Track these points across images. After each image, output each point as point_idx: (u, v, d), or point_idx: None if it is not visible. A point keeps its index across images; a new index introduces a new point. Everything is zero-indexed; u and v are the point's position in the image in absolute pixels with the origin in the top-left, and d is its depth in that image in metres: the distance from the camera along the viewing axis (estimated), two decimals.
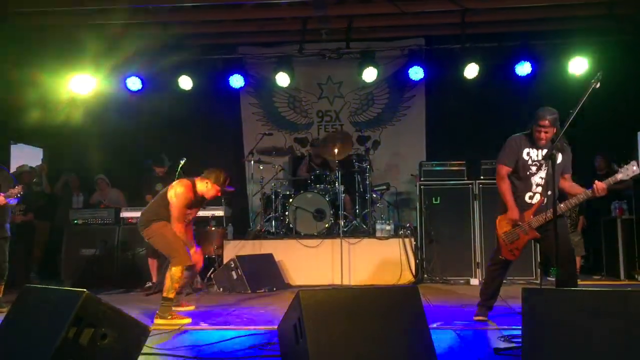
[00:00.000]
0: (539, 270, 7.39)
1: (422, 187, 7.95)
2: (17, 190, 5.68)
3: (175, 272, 5.26)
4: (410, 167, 9.35)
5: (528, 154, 4.85)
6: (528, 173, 4.83)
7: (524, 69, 8.79)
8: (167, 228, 5.37)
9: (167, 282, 5.25)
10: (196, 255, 5.67)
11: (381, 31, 9.40)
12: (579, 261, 8.20)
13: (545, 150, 4.78)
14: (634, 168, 4.46)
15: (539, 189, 4.81)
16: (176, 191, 5.39)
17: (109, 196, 9.00)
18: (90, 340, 3.24)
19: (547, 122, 4.64)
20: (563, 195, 4.81)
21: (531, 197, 4.83)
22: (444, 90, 9.65)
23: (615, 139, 8.76)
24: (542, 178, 4.80)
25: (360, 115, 10.32)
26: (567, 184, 4.83)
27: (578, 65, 8.61)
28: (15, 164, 9.06)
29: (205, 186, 5.55)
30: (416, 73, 9.20)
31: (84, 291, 3.28)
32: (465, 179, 7.89)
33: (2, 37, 8.45)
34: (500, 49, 8.93)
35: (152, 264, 7.44)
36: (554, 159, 4.24)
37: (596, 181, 4.55)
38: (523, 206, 4.83)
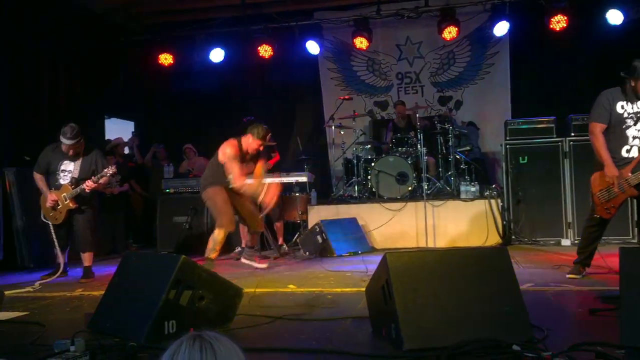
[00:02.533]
0: (636, 229, 7.06)
1: (507, 146, 7.71)
2: (108, 172, 5.94)
3: (217, 235, 5.84)
4: (496, 126, 9.08)
5: (622, 107, 4.64)
6: (624, 127, 4.63)
7: (614, 17, 8.25)
8: (219, 194, 5.91)
9: (210, 244, 5.82)
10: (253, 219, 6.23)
11: None
12: None
13: (639, 102, 4.54)
14: None
15: (637, 141, 4.59)
16: (224, 151, 5.94)
17: (197, 164, 9.33)
18: (190, 301, 3.43)
19: None
20: None
21: (628, 151, 4.65)
22: (530, 45, 9.24)
23: None
24: (638, 130, 4.57)
25: (441, 75, 10.08)
26: None
27: None
28: (109, 137, 9.58)
29: (247, 141, 6.05)
30: (501, 28, 8.84)
31: (182, 256, 3.46)
32: (555, 136, 7.57)
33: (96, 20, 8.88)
34: None
35: (243, 229, 7.67)
36: None
37: None
38: (620, 161, 4.63)
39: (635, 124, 4.61)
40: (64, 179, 6.05)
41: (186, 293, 3.44)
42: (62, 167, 6.08)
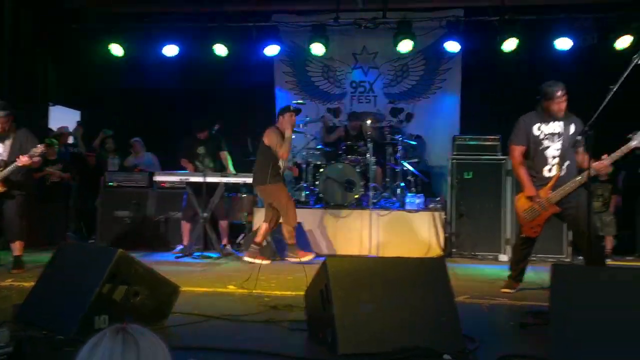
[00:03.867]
0: (569, 248, 7.32)
1: (454, 161, 7.88)
2: (39, 149, 5.72)
3: (285, 230, 6.80)
4: (443, 141, 9.25)
5: (539, 128, 4.90)
6: (542, 147, 4.88)
7: (563, 43, 8.57)
8: (282, 190, 6.77)
9: (286, 234, 6.82)
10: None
11: (419, 1, 9.23)
12: (611, 241, 8.08)
13: (556, 123, 4.82)
14: None
15: (556, 160, 4.82)
16: (270, 138, 6.75)
17: (144, 159, 9.15)
18: (124, 296, 3.36)
19: (561, 92, 4.75)
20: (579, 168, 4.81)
21: (550, 170, 4.88)
22: (481, 64, 9.46)
23: None
24: (557, 150, 4.82)
25: (394, 87, 10.21)
26: (580, 157, 4.79)
27: (622, 41, 8.36)
28: (53, 126, 9.28)
29: (282, 121, 6.86)
30: (452, 46, 9.06)
31: (119, 249, 3.39)
32: (499, 154, 7.78)
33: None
34: (540, 22, 8.71)
35: (186, 227, 7.58)
36: (589, 135, 4.20)
37: (592, 162, 4.50)
38: (544, 181, 4.86)
39: (553, 144, 4.83)
40: None
41: (121, 288, 3.37)
42: None
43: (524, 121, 4.95)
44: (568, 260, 7.28)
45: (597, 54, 8.57)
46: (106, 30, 9.38)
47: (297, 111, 7.16)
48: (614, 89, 3.99)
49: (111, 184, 8.35)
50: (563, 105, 4.77)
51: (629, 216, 8.45)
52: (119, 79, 9.83)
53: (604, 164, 4.56)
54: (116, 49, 9.32)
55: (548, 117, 4.85)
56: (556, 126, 4.85)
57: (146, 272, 3.52)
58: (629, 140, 4.51)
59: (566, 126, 4.82)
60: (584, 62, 8.58)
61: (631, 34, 8.31)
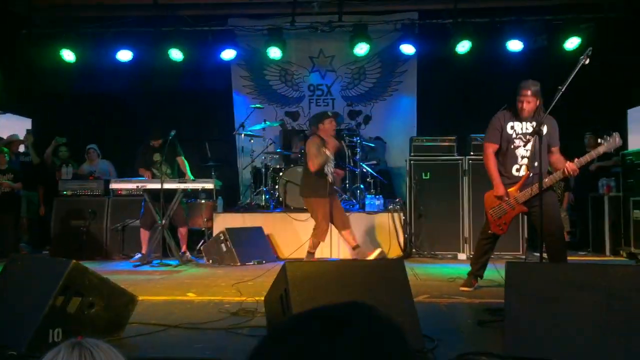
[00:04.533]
0: (525, 245, 7.49)
1: (412, 162, 7.97)
2: None
3: (312, 242, 6.71)
4: (401, 142, 9.36)
5: (512, 127, 4.92)
6: (513, 146, 4.91)
7: (515, 45, 8.78)
8: (322, 207, 6.55)
9: (310, 242, 6.73)
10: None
11: (374, 4, 9.32)
12: (565, 237, 8.29)
13: (530, 124, 4.85)
14: (617, 140, 4.51)
15: (525, 160, 4.88)
16: (308, 147, 6.59)
17: (99, 167, 8.97)
18: (78, 308, 3.28)
19: (528, 92, 4.74)
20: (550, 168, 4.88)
21: (518, 170, 4.92)
22: (436, 66, 9.61)
23: (605, 117, 8.80)
24: (527, 150, 4.87)
25: (351, 90, 10.27)
26: (554, 157, 4.86)
27: (571, 42, 8.61)
28: (3, 134, 9.00)
29: (322, 129, 6.65)
30: (407, 49, 9.18)
31: (72, 261, 3.30)
32: (455, 154, 7.91)
33: None
34: (493, 25, 8.90)
35: (144, 235, 7.45)
36: (541, 135, 4.28)
37: (567, 162, 4.60)
38: (512, 179, 4.91)
39: (524, 144, 4.89)
40: None
41: (75, 300, 3.28)
42: None
43: (498, 119, 4.96)
44: (523, 257, 7.44)
45: (548, 55, 8.80)
46: (57, 35, 9.16)
47: (336, 115, 7.08)
48: (563, 89, 4.09)
49: (65, 192, 8.16)
50: (527, 105, 4.75)
51: (581, 212, 8.71)
52: (71, 85, 9.62)
53: (575, 167, 4.60)
54: (68, 55, 9.13)
55: (520, 116, 4.87)
56: (529, 126, 4.86)
57: (101, 282, 3.45)
58: (598, 145, 4.60)
59: (539, 127, 4.86)
60: (535, 63, 8.79)
61: (579, 36, 8.56)
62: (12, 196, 8.23)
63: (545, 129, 4.72)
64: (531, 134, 4.65)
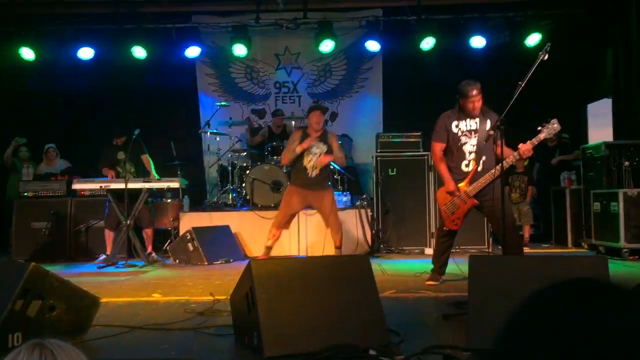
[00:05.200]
0: (490, 238, 7.60)
1: (378, 158, 8.02)
2: None
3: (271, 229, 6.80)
4: (367, 139, 9.40)
5: (457, 126, 5.08)
6: (459, 144, 5.06)
7: (478, 41, 8.90)
8: (285, 195, 6.79)
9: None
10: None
11: (339, 1, 9.34)
12: (528, 230, 8.46)
13: (472, 120, 5.01)
14: (555, 125, 4.66)
15: (472, 155, 5.01)
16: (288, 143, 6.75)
17: (56, 167, 8.78)
18: (38, 312, 3.21)
19: (476, 91, 4.92)
20: (498, 161, 4.98)
21: (467, 165, 5.07)
22: (401, 62, 9.68)
23: (566, 111, 8.97)
24: (473, 145, 5.02)
25: (318, 87, 10.28)
26: (499, 148, 4.98)
27: (532, 39, 8.77)
28: None
29: (309, 122, 6.69)
30: (373, 45, 9.22)
31: (31, 263, 3.24)
32: (421, 150, 7.99)
33: None
34: (456, 22, 9.01)
35: (109, 236, 7.33)
36: (501, 130, 4.36)
37: (520, 144, 4.72)
38: (462, 175, 5.06)
39: (470, 140, 5.04)
40: None
41: (35, 303, 3.21)
42: None
43: (443, 119, 5.13)
44: (489, 250, 7.56)
45: (510, 51, 8.94)
46: (15, 32, 8.94)
47: (317, 109, 6.83)
48: (522, 84, 4.17)
49: (26, 194, 7.98)
50: (478, 104, 4.94)
51: (543, 206, 8.89)
52: (31, 84, 9.40)
53: (529, 147, 4.71)
54: (27, 53, 8.93)
55: (465, 115, 5.03)
56: (472, 123, 5.03)
57: (62, 285, 3.38)
58: (539, 132, 4.72)
59: (482, 122, 5.00)
60: (498, 59, 8.94)
61: (540, 32, 8.72)
62: None
63: (488, 124, 4.92)
64: (491, 129, 4.74)
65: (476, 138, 4.99)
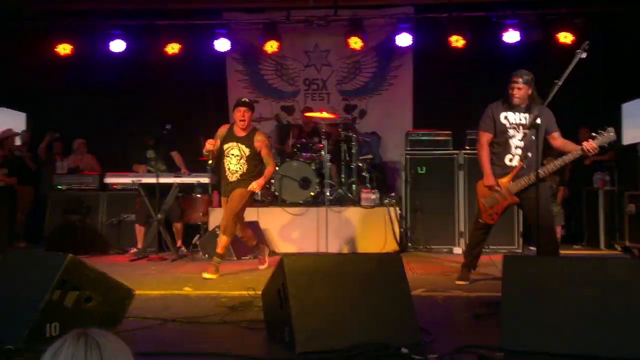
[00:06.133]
0: (520, 239, 7.51)
1: (407, 156, 7.98)
2: None
3: None
4: (396, 137, 9.35)
5: (506, 117, 4.96)
6: (506, 136, 4.95)
7: (511, 37, 8.78)
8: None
9: None
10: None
11: None
12: (559, 231, 8.31)
13: (524, 114, 4.89)
14: (612, 134, 4.55)
15: (518, 150, 4.92)
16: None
17: (84, 161, 8.92)
18: (75, 302, 3.27)
19: (519, 79, 4.82)
20: (556, 156, 4.91)
21: (511, 160, 4.96)
22: (432, 60, 9.60)
23: (601, 111, 8.82)
24: (520, 140, 4.90)
25: (347, 84, 10.25)
26: (559, 142, 4.89)
27: (565, 36, 8.62)
28: None
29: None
30: (404, 40, 9.17)
31: (68, 255, 3.29)
32: (451, 148, 7.92)
33: None
34: (487, 19, 8.90)
35: (140, 230, 7.44)
36: (537, 127, 4.29)
37: (584, 142, 4.62)
38: (504, 169, 4.94)
39: (517, 134, 4.94)
40: None
41: (72, 294, 3.27)
42: None
43: (491, 108, 5.02)
44: (519, 251, 7.47)
45: (542, 49, 8.81)
46: (51, 28, 9.12)
47: (241, 104, 5.88)
48: (559, 84, 4.10)
49: (60, 187, 8.13)
50: (517, 92, 4.82)
51: (575, 206, 8.74)
52: (64, 79, 9.57)
53: (595, 145, 4.59)
54: (62, 48, 9.09)
55: (511, 103, 4.91)
56: (522, 117, 4.92)
57: (98, 276, 3.44)
58: (593, 138, 4.64)
59: (534, 120, 4.88)
60: (530, 57, 8.79)
61: (573, 30, 8.57)
62: (6, 191, 8.19)
63: (538, 120, 4.77)
64: (528, 128, 4.68)
65: (525, 134, 4.88)
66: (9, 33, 9.03)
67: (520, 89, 4.82)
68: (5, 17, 8.96)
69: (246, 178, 5.82)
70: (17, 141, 9.11)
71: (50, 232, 7.96)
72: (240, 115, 5.81)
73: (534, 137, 4.51)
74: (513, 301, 3.06)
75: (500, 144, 4.96)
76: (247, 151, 5.80)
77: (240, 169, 5.81)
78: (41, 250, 7.41)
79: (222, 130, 5.94)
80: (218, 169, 6.13)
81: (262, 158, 5.91)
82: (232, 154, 5.82)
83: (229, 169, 5.83)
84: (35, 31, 9.14)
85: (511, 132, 4.93)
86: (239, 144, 5.81)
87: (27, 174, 8.79)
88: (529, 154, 4.84)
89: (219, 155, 5.90)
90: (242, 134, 5.84)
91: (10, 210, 8.37)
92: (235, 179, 5.82)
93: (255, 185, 5.83)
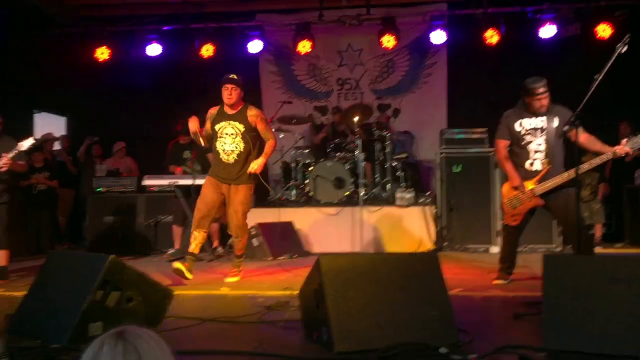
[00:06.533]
0: (559, 237, 7.37)
1: (442, 155, 7.90)
2: (20, 148, 5.55)
3: None
4: (431, 135, 9.28)
5: (521, 124, 4.97)
6: (523, 143, 4.95)
7: (547, 32, 8.63)
8: (202, 187, 5.71)
9: None
10: None
11: None
12: (599, 229, 8.15)
13: (537, 118, 4.89)
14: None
15: (538, 155, 4.93)
16: None
17: (123, 164, 9.11)
18: (117, 302, 3.34)
19: (543, 88, 4.80)
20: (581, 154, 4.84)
21: (531, 164, 4.95)
22: (466, 57, 9.51)
23: None
24: (539, 144, 4.89)
25: (380, 83, 10.23)
26: (582, 137, 4.79)
27: (604, 30, 8.43)
28: (39, 133, 9.21)
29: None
30: (438, 37, 9.09)
31: (110, 255, 3.36)
32: (487, 146, 7.82)
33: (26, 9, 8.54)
34: (523, 14, 8.76)
35: (177, 231, 7.54)
36: (577, 126, 4.23)
37: (617, 147, 4.55)
38: (525, 174, 4.95)
39: (535, 139, 4.92)
40: None
41: (114, 294, 3.34)
42: None
43: (506, 117, 5.07)
44: (559, 249, 7.33)
45: (580, 43, 8.63)
46: (89, 34, 9.33)
47: (226, 82, 5.51)
48: (599, 79, 4.01)
49: (99, 189, 8.30)
50: (544, 101, 4.82)
51: (616, 204, 8.54)
52: (102, 83, 9.78)
53: (625, 149, 4.56)
54: (100, 53, 9.31)
55: (530, 113, 4.92)
56: (538, 121, 4.91)
57: (138, 277, 3.50)
58: (635, 134, 4.57)
59: (549, 121, 4.87)
60: (568, 52, 8.64)
61: (612, 23, 8.37)
62: (48, 194, 8.42)
63: (556, 121, 4.80)
64: (560, 136, 4.65)
65: (543, 137, 4.87)
66: (49, 39, 9.28)
67: (546, 98, 4.82)
68: (45, 24, 9.21)
69: (245, 162, 5.43)
70: (56, 145, 9.35)
71: (90, 234, 8.13)
72: (227, 93, 5.42)
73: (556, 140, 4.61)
74: (554, 300, 3.00)
75: (518, 150, 4.99)
76: (241, 127, 5.41)
77: (236, 147, 5.42)
78: (83, 252, 7.60)
79: (212, 111, 5.61)
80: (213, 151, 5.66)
81: (260, 133, 5.51)
82: (226, 134, 5.44)
83: (223, 150, 5.45)
84: (74, 37, 9.38)
85: (528, 137, 4.94)
86: (232, 122, 5.44)
87: (68, 178, 9.01)
88: (554, 156, 4.82)
89: (212, 138, 5.57)
90: (232, 111, 5.48)
91: (53, 213, 8.61)
92: (233, 160, 5.43)
93: (255, 167, 5.42)
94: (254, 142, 5.51)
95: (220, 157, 5.47)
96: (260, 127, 5.50)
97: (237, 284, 5.49)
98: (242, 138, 5.43)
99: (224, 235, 8.05)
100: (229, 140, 5.43)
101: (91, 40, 9.29)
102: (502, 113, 5.18)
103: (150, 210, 8.12)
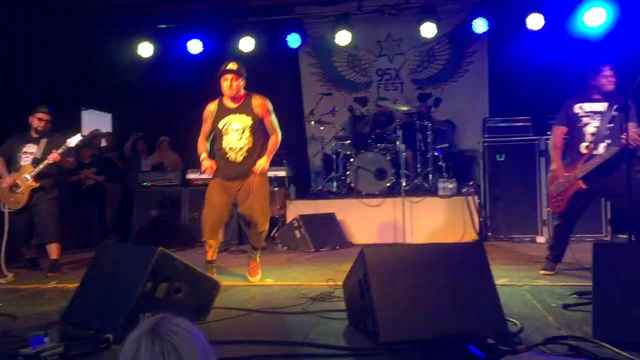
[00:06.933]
0: (609, 227, 7.19)
1: (486, 144, 7.79)
2: (69, 144, 5.79)
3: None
4: (473, 124, 9.14)
5: (581, 107, 4.94)
6: (580, 124, 4.91)
7: (592, 17, 8.37)
8: (207, 189, 5.28)
9: None
10: None
11: None
12: None
13: (599, 103, 4.84)
14: None
15: (593, 137, 4.83)
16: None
17: (168, 158, 9.26)
18: (166, 293, 3.41)
19: (610, 71, 4.79)
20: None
21: (587, 147, 4.88)
22: (508, 44, 9.27)
23: None
24: (595, 127, 4.83)
25: (420, 73, 10.13)
26: (631, 131, 4.69)
27: None
28: (86, 130, 9.44)
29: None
30: (480, 25, 8.93)
31: (158, 248, 3.44)
32: (531, 134, 7.66)
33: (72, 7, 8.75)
34: None
35: None
36: (626, 111, 4.13)
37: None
38: (579, 158, 4.88)
39: (592, 122, 4.87)
40: (25, 160, 5.91)
41: (162, 285, 3.42)
42: (25, 149, 5.96)
43: (567, 102, 5.04)
44: (608, 238, 7.15)
45: (627, 29, 8.33)
46: (133, 31, 9.52)
47: (225, 72, 4.97)
48: None
49: (145, 184, 8.48)
50: (612, 78, 4.79)
51: None
52: (146, 79, 9.97)
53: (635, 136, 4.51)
54: (144, 50, 9.48)
55: (592, 96, 4.90)
56: (599, 105, 4.87)
57: (186, 269, 3.57)
58: None
59: (610, 107, 4.77)
60: (615, 37, 8.35)
61: None
62: (97, 189, 8.64)
63: (613, 110, 4.76)
64: (618, 110, 4.56)
65: (600, 121, 4.79)
66: (93, 38, 9.50)
67: (613, 77, 4.79)
68: (92, 23, 9.43)
69: (255, 159, 4.96)
70: (103, 142, 9.59)
71: (137, 227, 8.32)
72: (228, 85, 4.91)
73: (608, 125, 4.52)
74: (605, 290, 2.94)
75: (575, 132, 4.95)
76: (249, 120, 4.92)
77: (245, 143, 4.94)
78: (131, 245, 7.78)
79: (210, 107, 5.11)
80: (215, 153, 5.17)
81: (266, 126, 5.02)
82: (232, 129, 4.94)
83: (230, 148, 4.95)
84: (117, 35, 9.57)
85: (585, 119, 4.90)
86: (237, 115, 4.95)
87: (115, 172, 9.22)
88: (608, 141, 4.72)
89: (215, 137, 5.11)
90: (235, 104, 4.99)
91: (101, 207, 8.84)
92: (242, 158, 4.94)
93: (260, 167, 4.95)
94: (263, 136, 5.03)
95: (227, 155, 4.97)
96: (267, 120, 5.01)
97: (281, 275, 5.53)
98: (250, 132, 4.94)
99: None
100: (235, 137, 4.93)
101: (134, 38, 9.47)
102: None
103: (194, 203, 8.23)
